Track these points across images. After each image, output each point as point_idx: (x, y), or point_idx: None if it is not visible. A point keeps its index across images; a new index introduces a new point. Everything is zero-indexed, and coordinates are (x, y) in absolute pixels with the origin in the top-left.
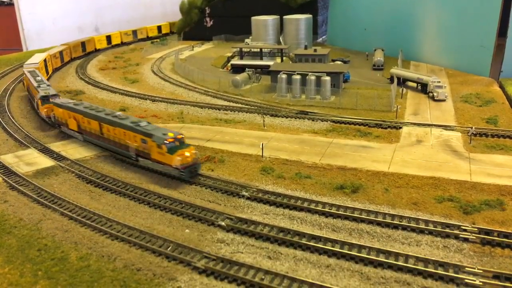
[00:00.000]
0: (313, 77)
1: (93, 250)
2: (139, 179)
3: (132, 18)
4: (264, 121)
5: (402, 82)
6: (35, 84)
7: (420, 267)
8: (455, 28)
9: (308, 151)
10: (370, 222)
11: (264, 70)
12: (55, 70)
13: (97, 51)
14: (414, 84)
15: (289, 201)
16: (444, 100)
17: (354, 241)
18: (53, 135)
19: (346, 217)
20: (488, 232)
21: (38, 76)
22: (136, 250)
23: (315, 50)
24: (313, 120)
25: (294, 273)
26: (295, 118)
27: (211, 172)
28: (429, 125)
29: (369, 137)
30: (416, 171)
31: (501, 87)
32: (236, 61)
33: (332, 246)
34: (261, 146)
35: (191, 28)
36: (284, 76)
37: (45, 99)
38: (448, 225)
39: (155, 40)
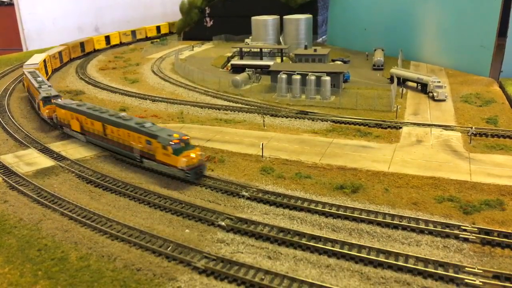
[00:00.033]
0: (313, 77)
1: (93, 250)
2: (139, 179)
3: (132, 18)
4: (264, 121)
5: (402, 82)
6: (36, 85)
7: (420, 267)
8: (455, 28)
9: (308, 151)
10: (370, 222)
11: (264, 70)
12: (54, 70)
13: (96, 51)
14: (414, 84)
15: (289, 201)
16: (444, 100)
17: (354, 241)
18: (53, 135)
19: (346, 217)
20: (488, 232)
21: (39, 76)
22: (136, 250)
23: (315, 50)
24: (313, 120)
25: (294, 273)
26: (295, 118)
27: (211, 172)
28: (429, 125)
29: (369, 137)
30: (416, 171)
31: (501, 87)
32: (236, 61)
33: (332, 246)
34: (261, 146)
35: (191, 28)
36: (284, 76)
37: (47, 100)
38: (448, 225)
39: (155, 40)
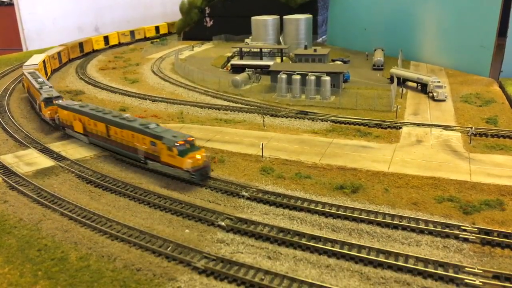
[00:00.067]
0: (313, 77)
1: (93, 250)
2: (139, 179)
3: (132, 18)
4: (264, 121)
5: (402, 82)
6: (37, 86)
7: (420, 267)
8: (455, 28)
9: (308, 151)
10: (370, 222)
11: (264, 70)
12: (54, 71)
13: (94, 51)
14: (414, 84)
15: (289, 201)
16: (444, 100)
17: (354, 241)
18: (53, 135)
19: (346, 217)
20: (488, 232)
21: (39, 77)
22: (136, 250)
23: (315, 50)
24: (313, 120)
25: (294, 273)
26: (295, 118)
27: (211, 172)
28: (429, 125)
29: (369, 137)
30: (416, 171)
31: (501, 87)
32: (236, 61)
33: (332, 246)
34: (261, 146)
35: (191, 28)
36: (284, 76)
37: (48, 101)
38: (448, 225)
39: (155, 40)
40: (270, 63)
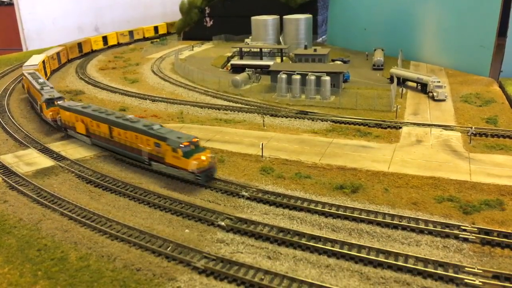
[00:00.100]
0: (313, 77)
1: (92, 250)
2: (139, 179)
3: (132, 18)
4: (264, 121)
5: (402, 82)
6: (38, 87)
7: (420, 267)
8: (455, 28)
9: (308, 151)
10: (370, 222)
11: (264, 70)
12: (53, 71)
13: (93, 52)
14: (414, 84)
15: (289, 201)
16: (444, 100)
17: (353, 241)
18: (52, 135)
19: (346, 217)
20: (487, 232)
21: (40, 78)
22: (136, 250)
23: (315, 50)
24: (313, 120)
25: (294, 273)
26: (295, 118)
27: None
28: (429, 125)
29: (369, 137)
30: (416, 171)
31: (501, 87)
32: (236, 61)
33: (332, 246)
34: (261, 146)
35: (191, 28)
36: (284, 76)
37: (50, 102)
38: (447, 225)
39: (155, 40)
40: (270, 63)
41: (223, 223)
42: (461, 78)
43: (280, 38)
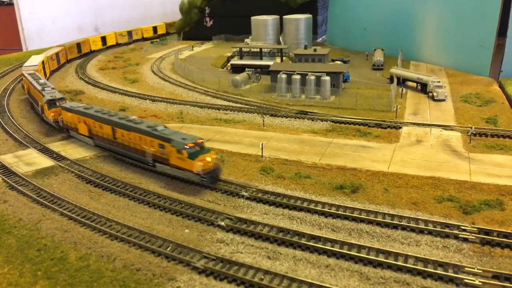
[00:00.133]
0: (312, 77)
1: (92, 250)
2: (139, 179)
3: (132, 18)
4: (263, 121)
5: (402, 82)
6: (39, 88)
7: (420, 267)
8: (455, 28)
9: (308, 151)
10: (370, 222)
11: (264, 70)
12: (52, 72)
13: (92, 52)
14: (414, 84)
15: (289, 201)
16: (444, 100)
17: (353, 241)
18: (52, 135)
19: (346, 217)
20: (487, 232)
21: (40, 79)
22: (136, 250)
23: (315, 50)
24: (312, 120)
25: (294, 273)
26: (295, 118)
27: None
28: (428, 125)
29: (368, 137)
30: (415, 171)
31: (501, 87)
32: (236, 61)
33: (332, 246)
34: (260, 146)
35: (191, 28)
36: (284, 76)
37: (52, 103)
38: (447, 225)
39: (155, 40)
40: (270, 63)
41: (223, 223)
42: (461, 78)
43: (280, 38)
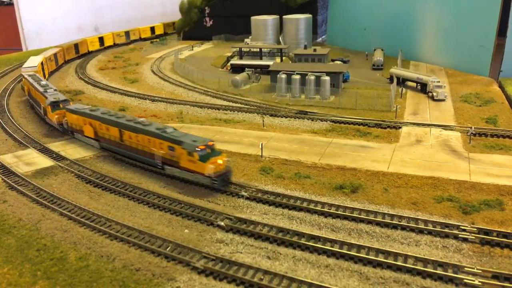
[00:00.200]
0: (312, 77)
1: (92, 250)
2: (139, 179)
3: (132, 18)
4: (263, 121)
5: (402, 82)
6: (41, 89)
7: (419, 267)
8: (454, 28)
9: (308, 151)
10: (369, 222)
11: (264, 70)
12: (51, 73)
13: (90, 53)
14: (414, 84)
15: (289, 201)
16: (443, 100)
17: (353, 241)
18: (52, 135)
19: (345, 217)
20: (487, 232)
21: (41, 80)
22: (135, 250)
23: (314, 50)
24: (312, 120)
25: (293, 273)
26: (295, 118)
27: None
28: (428, 125)
29: (368, 137)
30: (415, 171)
31: (501, 87)
32: (235, 61)
33: (331, 246)
34: (260, 146)
35: (190, 28)
36: (283, 76)
37: (55, 105)
38: (447, 225)
39: (155, 40)
40: (270, 63)
41: (222, 223)
42: (460, 78)
43: (280, 38)
